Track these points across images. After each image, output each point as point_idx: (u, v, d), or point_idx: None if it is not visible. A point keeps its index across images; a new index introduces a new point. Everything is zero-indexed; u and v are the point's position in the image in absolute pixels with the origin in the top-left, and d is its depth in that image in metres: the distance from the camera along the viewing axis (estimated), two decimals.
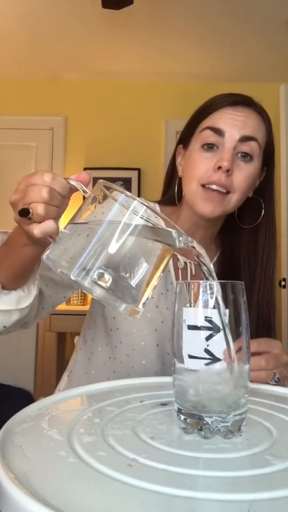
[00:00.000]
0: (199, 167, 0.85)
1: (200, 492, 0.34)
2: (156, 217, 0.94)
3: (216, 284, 0.46)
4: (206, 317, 0.45)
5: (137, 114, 3.39)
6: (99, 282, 0.45)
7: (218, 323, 0.45)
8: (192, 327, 0.46)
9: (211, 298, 0.46)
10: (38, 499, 0.31)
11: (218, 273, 0.93)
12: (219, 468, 0.38)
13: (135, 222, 0.47)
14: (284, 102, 2.76)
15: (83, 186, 0.56)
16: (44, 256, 0.49)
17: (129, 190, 3.29)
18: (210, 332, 0.45)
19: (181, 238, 0.50)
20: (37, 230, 0.56)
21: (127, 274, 0.47)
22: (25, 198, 0.57)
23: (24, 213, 0.56)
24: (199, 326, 0.45)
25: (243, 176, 0.84)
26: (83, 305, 3.04)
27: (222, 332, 0.45)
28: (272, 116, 0.92)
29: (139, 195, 1.01)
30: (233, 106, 0.85)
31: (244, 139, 0.84)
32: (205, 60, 3.11)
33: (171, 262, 0.90)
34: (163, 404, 0.54)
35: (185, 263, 0.92)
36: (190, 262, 0.92)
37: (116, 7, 2.39)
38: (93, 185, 0.53)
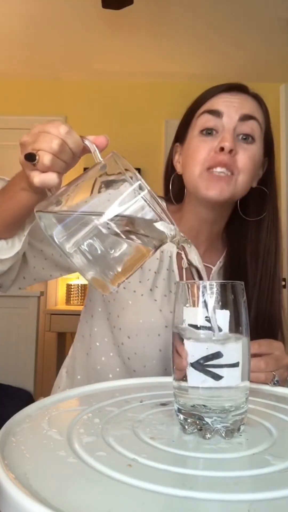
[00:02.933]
0: (200, 151, 0.82)
1: (200, 492, 0.34)
2: (161, 213, 0.93)
3: (211, 284, 0.46)
4: (206, 317, 0.45)
5: (137, 114, 3.40)
6: (82, 247, 0.45)
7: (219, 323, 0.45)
8: (193, 327, 0.46)
9: (211, 298, 0.46)
10: (38, 499, 0.31)
11: (225, 272, 0.91)
12: (219, 468, 0.38)
13: (138, 207, 0.46)
14: (284, 102, 2.76)
15: (97, 150, 0.55)
16: (36, 208, 0.48)
17: None
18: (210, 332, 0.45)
19: (175, 237, 0.50)
20: (38, 178, 0.55)
21: (111, 251, 0.46)
22: (35, 143, 0.55)
23: (30, 157, 0.54)
24: (199, 326, 0.45)
25: (248, 155, 0.81)
26: (83, 305, 3.03)
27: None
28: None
29: None
30: (229, 91, 0.84)
31: (244, 117, 0.81)
32: (205, 60, 3.11)
33: (175, 262, 0.89)
34: (163, 404, 0.54)
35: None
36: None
37: (116, 7, 2.39)
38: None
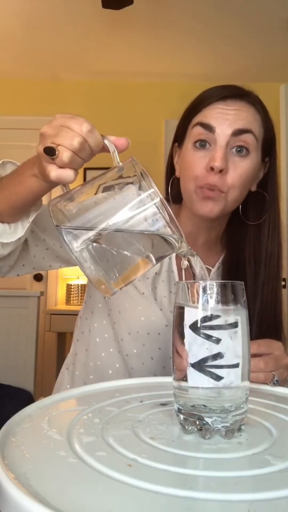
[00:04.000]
0: (193, 168, 0.82)
1: (200, 492, 0.34)
2: (171, 222, 0.93)
3: (211, 285, 0.46)
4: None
5: (137, 114, 3.40)
6: (89, 247, 0.45)
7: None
8: (192, 327, 0.46)
9: (211, 298, 0.46)
10: (38, 499, 0.31)
11: (224, 274, 0.91)
12: (219, 468, 0.38)
13: (150, 214, 0.46)
14: (284, 102, 2.76)
15: (116, 152, 0.56)
16: (50, 202, 0.48)
17: None
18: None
19: (182, 250, 0.50)
20: (55, 173, 0.55)
21: (118, 256, 0.47)
22: (57, 137, 0.55)
23: (50, 151, 0.54)
24: (199, 326, 0.45)
25: (238, 173, 0.81)
26: None
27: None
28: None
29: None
30: (224, 100, 0.82)
31: (237, 132, 0.80)
32: (205, 60, 3.11)
33: (174, 262, 0.89)
34: (163, 404, 0.54)
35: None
36: None
37: (116, 7, 2.39)
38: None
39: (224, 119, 0.80)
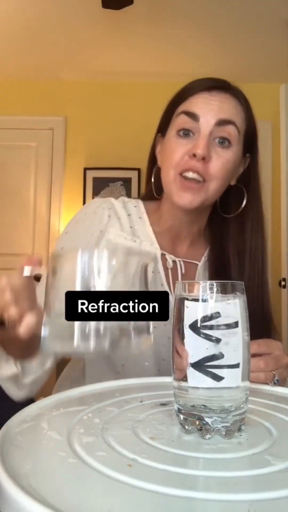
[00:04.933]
0: (175, 154, 0.82)
1: (200, 492, 0.34)
2: (140, 218, 0.92)
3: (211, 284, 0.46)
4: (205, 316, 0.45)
5: (137, 114, 3.39)
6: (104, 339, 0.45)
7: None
8: (192, 327, 0.46)
9: (211, 298, 0.46)
10: (38, 499, 0.31)
11: (210, 269, 0.90)
12: (219, 468, 0.38)
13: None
14: (284, 102, 2.76)
15: (36, 270, 0.57)
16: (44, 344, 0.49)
17: (129, 190, 3.30)
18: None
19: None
20: (23, 331, 0.55)
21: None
22: None
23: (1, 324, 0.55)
24: (199, 326, 0.45)
25: (221, 162, 0.81)
26: None
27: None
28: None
29: (138, 195, 0.99)
30: (209, 91, 0.82)
31: (221, 123, 0.80)
32: (205, 60, 3.11)
33: (160, 263, 0.88)
34: (163, 404, 0.54)
35: (174, 262, 0.89)
36: (179, 260, 0.89)
37: (116, 7, 2.39)
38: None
39: (208, 109, 0.81)
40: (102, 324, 0.47)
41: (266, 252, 0.91)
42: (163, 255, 0.88)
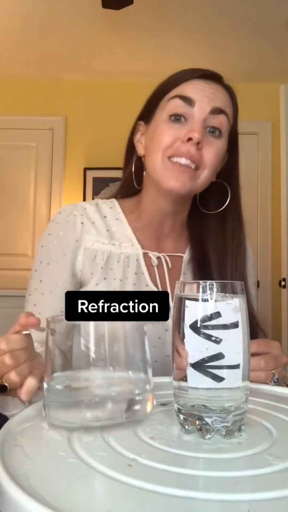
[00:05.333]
0: (165, 137, 0.79)
1: (200, 492, 0.34)
2: (117, 219, 0.89)
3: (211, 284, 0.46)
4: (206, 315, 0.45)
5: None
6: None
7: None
8: (192, 327, 0.45)
9: (211, 298, 0.46)
10: (38, 499, 0.31)
11: (193, 265, 0.88)
12: (219, 468, 0.38)
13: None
14: (284, 102, 2.76)
15: (37, 328, 0.55)
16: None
17: None
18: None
19: None
20: (24, 396, 0.54)
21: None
22: None
23: (2, 389, 0.54)
24: (199, 326, 0.45)
25: (213, 150, 0.79)
26: None
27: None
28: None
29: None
30: (204, 79, 0.81)
31: (215, 111, 0.79)
32: (205, 60, 3.11)
33: (143, 263, 0.85)
34: (163, 404, 0.54)
35: (158, 258, 0.86)
36: (163, 256, 0.87)
37: (116, 7, 2.39)
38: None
39: (204, 95, 0.79)
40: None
41: (246, 248, 0.90)
42: (145, 254, 0.86)
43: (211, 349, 0.44)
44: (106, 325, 0.47)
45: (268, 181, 3.39)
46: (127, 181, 0.92)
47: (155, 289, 0.83)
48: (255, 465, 0.38)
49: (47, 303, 0.80)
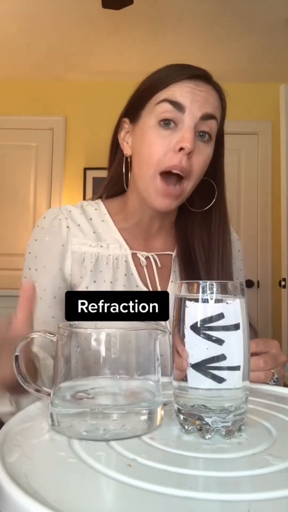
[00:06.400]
0: (157, 148, 0.76)
1: (200, 492, 0.34)
2: (103, 221, 0.88)
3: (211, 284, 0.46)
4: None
5: None
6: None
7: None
8: (192, 328, 0.45)
9: (211, 299, 0.46)
10: (37, 499, 0.31)
11: (180, 262, 0.87)
12: (219, 468, 0.38)
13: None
14: (284, 102, 2.76)
15: (45, 335, 0.51)
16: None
17: None
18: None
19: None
20: None
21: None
22: None
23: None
24: (199, 326, 0.45)
25: (202, 159, 0.78)
26: None
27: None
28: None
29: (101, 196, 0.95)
30: (194, 80, 0.78)
31: (206, 117, 0.77)
32: (205, 60, 3.10)
33: (132, 264, 0.83)
34: (163, 404, 0.54)
35: (147, 258, 0.85)
36: (152, 255, 0.86)
37: (116, 7, 2.39)
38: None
39: (195, 100, 0.77)
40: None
41: (231, 246, 0.90)
42: (134, 255, 0.84)
43: (212, 350, 0.44)
44: (118, 333, 0.46)
45: (268, 181, 3.39)
46: (111, 180, 0.91)
47: (145, 289, 0.82)
48: (255, 465, 0.38)
49: (38, 309, 0.79)
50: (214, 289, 0.46)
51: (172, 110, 0.76)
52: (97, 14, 2.57)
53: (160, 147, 0.76)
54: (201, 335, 0.45)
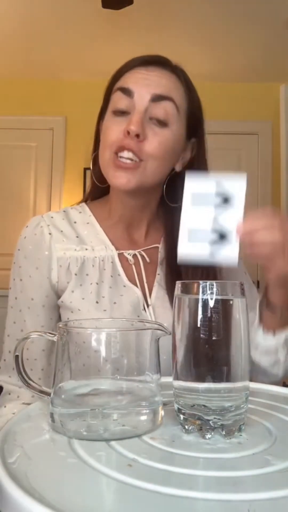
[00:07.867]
0: (110, 133, 0.77)
1: (200, 492, 0.34)
2: (87, 223, 0.87)
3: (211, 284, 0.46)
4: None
5: None
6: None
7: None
8: (192, 327, 0.45)
9: (211, 299, 0.45)
10: (38, 499, 0.31)
11: (165, 254, 0.86)
12: (219, 468, 0.38)
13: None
14: (284, 102, 2.77)
15: (46, 335, 0.52)
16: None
17: None
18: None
19: None
20: None
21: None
22: None
23: None
24: (198, 326, 0.45)
25: (158, 140, 0.76)
26: None
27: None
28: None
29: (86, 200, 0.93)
30: (145, 66, 0.78)
31: (156, 98, 0.76)
32: (205, 60, 3.11)
33: (118, 264, 0.82)
34: (164, 404, 0.54)
35: (134, 255, 0.84)
36: (139, 252, 0.85)
37: (116, 7, 2.39)
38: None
39: (144, 84, 0.77)
40: None
41: None
42: (121, 255, 0.84)
43: (212, 349, 0.44)
44: (118, 333, 0.46)
45: (268, 181, 3.39)
46: (94, 182, 0.90)
47: (133, 288, 0.81)
48: (255, 465, 0.38)
49: (27, 319, 0.79)
50: (214, 289, 0.46)
51: (123, 97, 0.77)
52: (97, 14, 2.57)
53: (113, 132, 0.77)
54: (201, 335, 0.45)
